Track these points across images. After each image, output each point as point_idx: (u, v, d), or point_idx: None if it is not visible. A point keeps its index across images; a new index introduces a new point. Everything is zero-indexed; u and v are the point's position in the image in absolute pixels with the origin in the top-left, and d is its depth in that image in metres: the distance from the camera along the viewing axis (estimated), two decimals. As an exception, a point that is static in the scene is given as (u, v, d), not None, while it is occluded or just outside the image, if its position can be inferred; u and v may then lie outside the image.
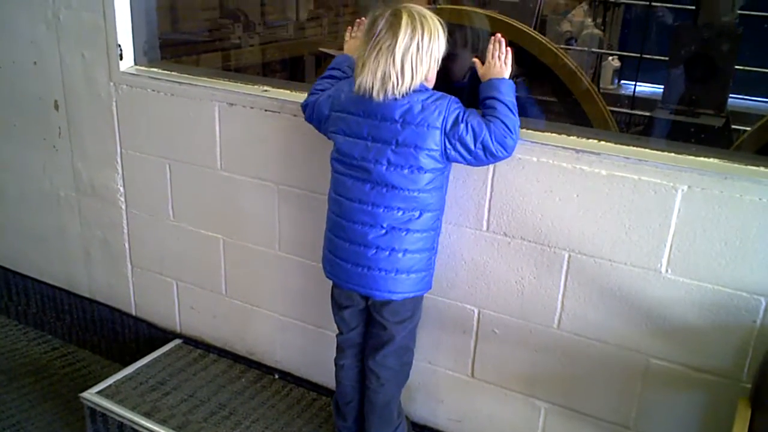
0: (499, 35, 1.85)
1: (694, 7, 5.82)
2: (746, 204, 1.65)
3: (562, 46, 6.99)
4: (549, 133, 1.90)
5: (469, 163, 1.82)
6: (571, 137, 1.87)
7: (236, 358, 2.65)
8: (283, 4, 5.63)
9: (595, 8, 7.27)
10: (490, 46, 1.85)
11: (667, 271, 1.78)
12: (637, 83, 6.55)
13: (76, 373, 2.97)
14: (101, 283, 2.95)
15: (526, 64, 3.10)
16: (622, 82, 7.00)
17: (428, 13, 1.77)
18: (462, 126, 1.75)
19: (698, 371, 1.81)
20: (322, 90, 1.98)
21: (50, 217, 2.98)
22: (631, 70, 6.68)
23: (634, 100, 6.14)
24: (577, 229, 1.86)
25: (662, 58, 5.34)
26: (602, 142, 1.83)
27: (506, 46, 1.84)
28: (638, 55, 6.68)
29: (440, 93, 1.80)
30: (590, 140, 1.85)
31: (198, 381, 2.54)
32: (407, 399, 2.23)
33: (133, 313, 2.89)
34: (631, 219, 1.79)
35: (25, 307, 3.27)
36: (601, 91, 6.74)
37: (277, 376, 2.56)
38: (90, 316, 3.04)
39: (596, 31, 6.99)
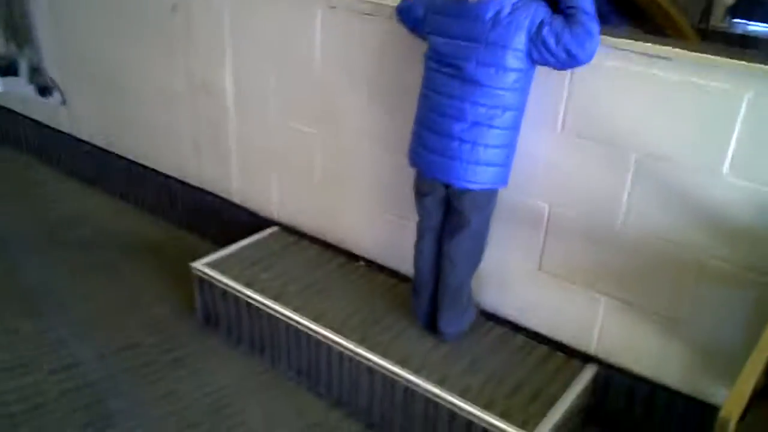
0: None
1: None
2: (808, 110, 1.73)
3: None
4: (624, 39, 2.00)
5: (552, 66, 1.96)
6: (646, 43, 1.97)
7: (327, 245, 2.92)
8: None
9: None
10: None
11: (729, 173, 1.88)
12: (751, 22, 6.29)
13: (185, 253, 3.28)
14: (209, 173, 3.26)
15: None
16: (735, 20, 6.71)
17: None
18: (546, 29, 1.89)
19: (751, 271, 1.93)
20: None
21: (166, 113, 3.30)
22: (746, 6, 6.41)
23: (746, 40, 5.92)
24: (646, 131, 1.98)
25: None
26: (675, 49, 1.93)
27: None
28: (753, -13, 6.40)
29: None
30: (664, 46, 1.94)
31: (292, 262, 2.83)
32: (478, 287, 2.44)
33: (237, 202, 3.20)
34: (697, 123, 1.89)
35: (142, 194, 3.64)
36: (711, 28, 6.53)
37: (362, 263, 2.82)
38: (198, 203, 3.37)
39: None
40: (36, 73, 3.80)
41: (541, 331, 2.39)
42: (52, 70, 3.76)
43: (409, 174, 2.34)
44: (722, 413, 1.41)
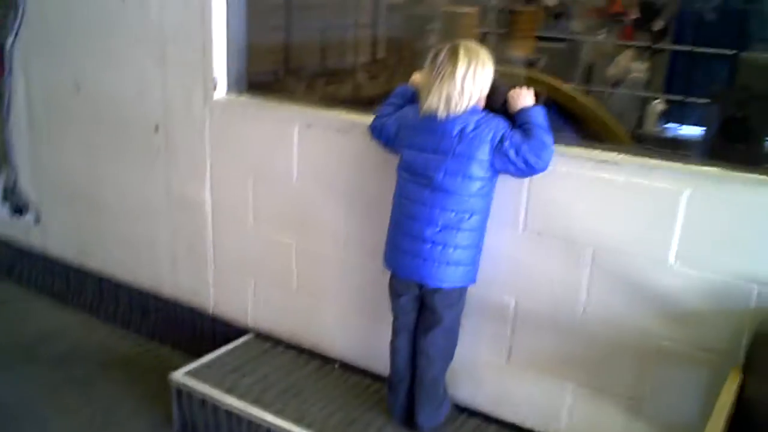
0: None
1: (733, 52, 6.17)
2: (739, 205, 1.97)
3: (609, 89, 7.34)
4: (576, 147, 2.25)
5: (513, 174, 2.18)
6: (594, 150, 2.22)
7: (302, 349, 3.01)
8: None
9: (641, 54, 7.58)
10: (517, 89, 2.23)
11: (675, 262, 2.09)
12: (681, 125, 6.81)
13: (159, 365, 3.35)
14: (184, 286, 3.36)
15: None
16: (667, 125, 7.24)
17: (480, 47, 2.16)
18: (507, 142, 2.12)
19: (702, 350, 2.11)
20: (387, 114, 2.38)
21: (144, 227, 3.42)
22: (676, 113, 6.96)
23: (677, 143, 6.39)
24: (599, 228, 2.20)
25: (704, 101, 5.65)
26: (620, 155, 2.18)
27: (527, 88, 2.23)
28: (681, 98, 6.97)
29: (491, 114, 2.17)
30: (610, 152, 2.19)
31: (269, 367, 2.91)
32: (451, 381, 2.55)
33: (211, 312, 3.29)
34: (644, 219, 2.12)
35: (114, 308, 3.70)
36: (646, 133, 7.02)
37: (337, 365, 2.92)
38: (172, 315, 3.45)
39: (641, 75, 7.30)
40: (12, 192, 3.91)
41: (513, 420, 2.51)
42: (28, 189, 3.87)
43: (382, 278, 2.51)
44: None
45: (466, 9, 6.52)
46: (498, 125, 2.16)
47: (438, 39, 7.55)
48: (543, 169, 2.15)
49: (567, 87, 5.25)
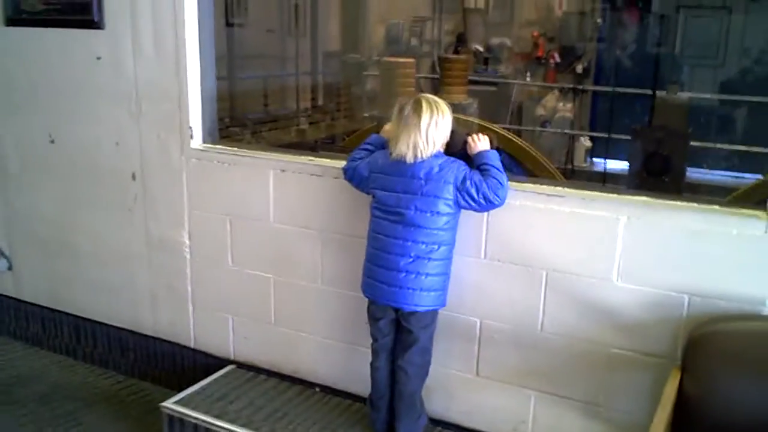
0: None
1: (650, 92, 6.75)
2: (667, 227, 2.34)
3: (537, 128, 7.85)
4: (527, 184, 2.60)
5: (474, 209, 2.51)
6: (543, 186, 2.58)
7: (283, 377, 3.24)
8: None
9: (565, 94, 8.15)
10: (474, 135, 2.57)
11: (618, 280, 2.45)
12: (607, 160, 7.35)
13: (142, 399, 3.53)
14: (164, 323, 3.55)
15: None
16: (594, 159, 7.78)
17: (439, 99, 2.49)
18: (468, 182, 2.45)
19: (646, 355, 2.45)
20: (360, 158, 2.68)
21: (122, 270, 3.60)
22: (601, 148, 7.50)
23: (605, 177, 6.90)
24: (551, 252, 2.54)
25: (627, 137, 6.18)
26: (565, 189, 2.53)
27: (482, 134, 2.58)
28: (606, 135, 7.53)
29: (453, 158, 2.50)
30: (557, 187, 2.55)
31: (253, 394, 3.12)
32: (425, 397, 2.83)
33: (192, 346, 3.48)
34: (589, 243, 2.47)
35: (92, 348, 3.84)
36: (575, 168, 7.53)
37: (318, 389, 3.16)
38: (152, 351, 3.62)
39: (567, 114, 7.85)
40: (-18, 243, 4.03)
41: (484, 429, 2.80)
42: (0, 237, 4.00)
43: (357, 305, 2.80)
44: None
45: (402, 59, 6.97)
46: (459, 168, 2.48)
47: (375, 85, 7.97)
48: (500, 204, 2.48)
49: (500, 130, 5.74)
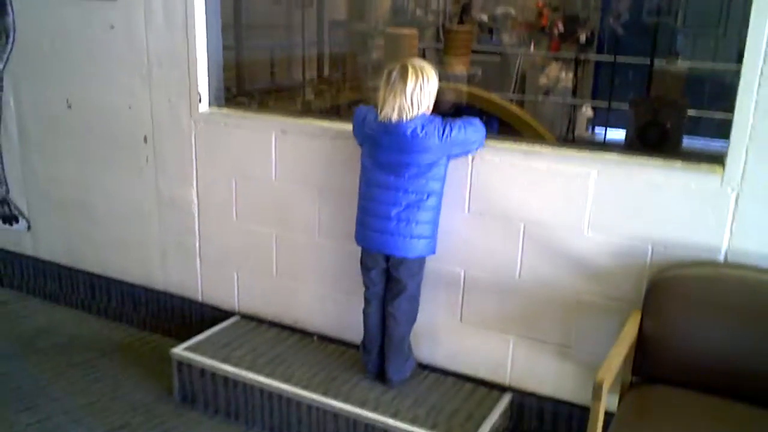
0: None
1: (648, 62, 6.87)
2: (633, 182, 2.54)
3: (540, 97, 7.98)
4: (507, 142, 2.80)
5: (458, 154, 2.71)
6: (522, 144, 2.77)
7: (284, 326, 3.48)
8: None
9: (568, 64, 8.25)
10: None
11: (588, 230, 2.65)
12: (608, 129, 7.48)
13: (153, 349, 3.79)
14: (174, 278, 3.79)
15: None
16: (596, 128, 7.90)
17: (426, 64, 2.68)
18: (448, 126, 2.65)
19: (613, 300, 2.66)
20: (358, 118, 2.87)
21: (134, 228, 3.84)
22: (603, 117, 7.62)
23: (605, 144, 7.03)
24: (529, 206, 2.74)
25: (626, 107, 6.30)
26: (543, 147, 2.73)
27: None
28: (606, 103, 7.65)
29: (432, 116, 2.70)
30: (534, 145, 2.75)
31: (256, 341, 3.37)
32: (413, 344, 3.06)
33: (200, 300, 3.73)
34: (563, 197, 2.67)
35: (107, 303, 4.10)
36: (576, 137, 7.67)
37: (316, 338, 3.40)
38: (163, 305, 3.87)
39: (569, 84, 7.96)
40: (2, 204, 4.27)
41: (467, 372, 3.03)
42: (19, 198, 4.24)
43: (352, 259, 3.02)
44: (596, 379, 2.08)
45: (406, 31, 7.14)
46: (440, 121, 2.68)
47: (380, 55, 8.12)
48: (481, 144, 2.71)
49: (501, 100, 5.92)
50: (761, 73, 2.27)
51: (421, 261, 2.84)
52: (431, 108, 2.72)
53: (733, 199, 2.39)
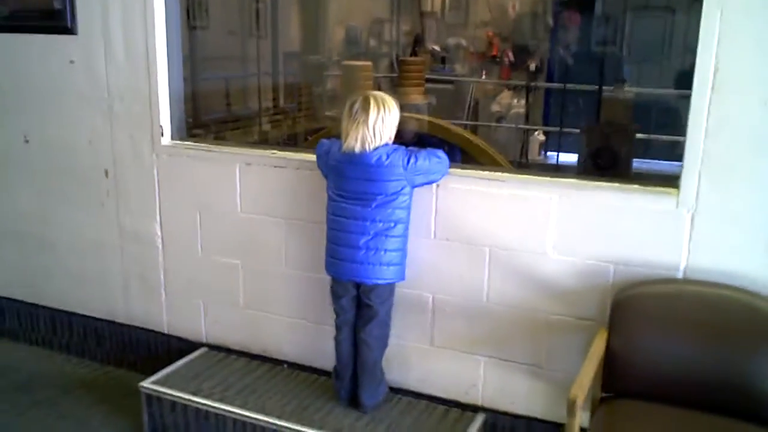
0: None
1: (597, 89, 7.09)
2: (593, 205, 2.64)
3: (493, 123, 8.16)
4: (470, 170, 2.88)
5: (422, 183, 2.78)
6: (485, 172, 2.86)
7: (252, 356, 3.47)
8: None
9: (519, 91, 8.46)
10: None
11: (552, 253, 2.74)
12: (560, 153, 7.68)
13: (118, 384, 3.73)
14: (137, 311, 3.76)
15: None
16: (548, 153, 8.10)
17: (387, 96, 2.75)
18: (413, 158, 2.72)
19: (579, 319, 2.75)
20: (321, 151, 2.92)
21: (95, 262, 3.80)
22: (554, 141, 7.84)
23: (558, 168, 7.22)
24: (493, 231, 2.82)
25: (577, 131, 6.49)
26: (504, 174, 2.82)
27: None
28: (558, 128, 7.86)
29: (396, 145, 2.76)
30: (497, 172, 2.84)
31: (225, 372, 3.35)
32: (386, 369, 3.08)
33: (165, 332, 3.70)
34: (526, 221, 2.75)
35: (68, 339, 4.03)
36: (529, 161, 7.85)
37: (285, 366, 3.40)
38: (127, 339, 3.82)
39: (521, 110, 8.17)
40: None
41: (439, 394, 3.07)
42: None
43: (320, 286, 3.06)
44: (569, 396, 2.15)
45: (361, 63, 7.29)
46: (404, 150, 2.75)
47: (335, 85, 8.22)
48: (445, 173, 2.79)
49: (455, 128, 6.05)
50: (710, 101, 2.39)
51: (391, 286, 2.89)
52: (392, 138, 2.78)
53: (688, 219, 2.50)
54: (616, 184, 2.65)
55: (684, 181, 2.48)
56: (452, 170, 2.85)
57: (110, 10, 3.40)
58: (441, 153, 2.78)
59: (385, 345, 2.97)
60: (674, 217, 2.52)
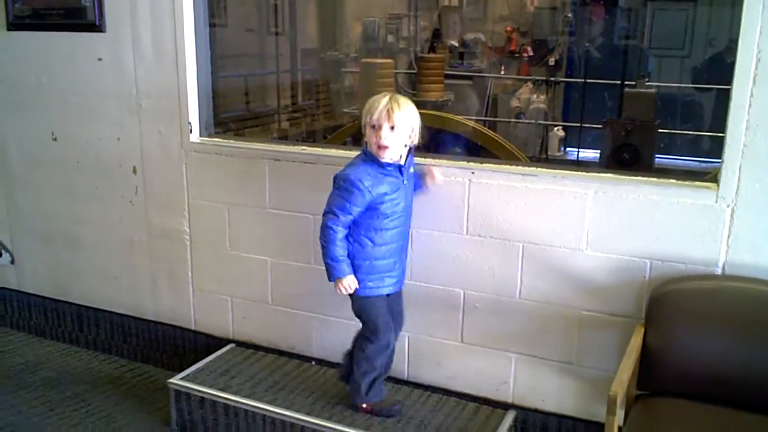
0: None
1: (619, 83, 7.03)
2: (629, 200, 2.61)
3: (512, 119, 8.12)
4: (504, 165, 2.86)
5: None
6: (519, 166, 2.83)
7: (280, 353, 3.47)
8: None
9: (539, 86, 8.41)
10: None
11: (587, 248, 2.71)
12: (580, 149, 7.63)
13: (146, 380, 3.74)
14: (165, 307, 3.76)
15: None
16: (568, 149, 8.05)
17: (408, 104, 2.63)
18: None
19: (613, 316, 2.72)
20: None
21: (123, 259, 3.81)
22: (574, 137, 7.78)
23: (578, 163, 7.17)
24: (527, 226, 2.79)
25: (598, 127, 6.44)
26: (539, 168, 2.79)
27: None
28: (578, 124, 7.80)
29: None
30: (531, 167, 2.81)
31: (254, 368, 3.35)
32: (416, 363, 3.08)
33: (193, 328, 3.70)
34: (561, 216, 2.73)
35: (95, 335, 4.04)
36: (549, 157, 7.80)
37: (313, 363, 3.39)
38: (154, 335, 3.83)
39: (541, 105, 8.12)
40: (-16, 239, 4.21)
41: (470, 391, 3.05)
42: (1, 233, 4.17)
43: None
44: (610, 393, 2.12)
45: (381, 60, 7.28)
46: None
47: (354, 81, 8.20)
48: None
49: (473, 123, 6.03)
50: (751, 94, 2.36)
51: None
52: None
53: (728, 214, 2.47)
54: (654, 179, 2.61)
55: (724, 175, 2.44)
56: (486, 165, 2.85)
57: (138, 7, 3.40)
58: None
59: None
60: (713, 212, 2.49)
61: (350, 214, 2.61)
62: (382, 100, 2.58)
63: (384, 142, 2.56)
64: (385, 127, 2.56)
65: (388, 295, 2.81)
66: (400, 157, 2.65)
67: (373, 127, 2.58)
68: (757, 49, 2.31)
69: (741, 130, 2.39)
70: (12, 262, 4.22)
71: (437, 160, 2.93)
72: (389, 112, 2.55)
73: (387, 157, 2.59)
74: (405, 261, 2.87)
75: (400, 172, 2.65)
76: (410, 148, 2.70)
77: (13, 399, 3.56)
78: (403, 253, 2.82)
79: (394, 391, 3.10)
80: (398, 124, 2.56)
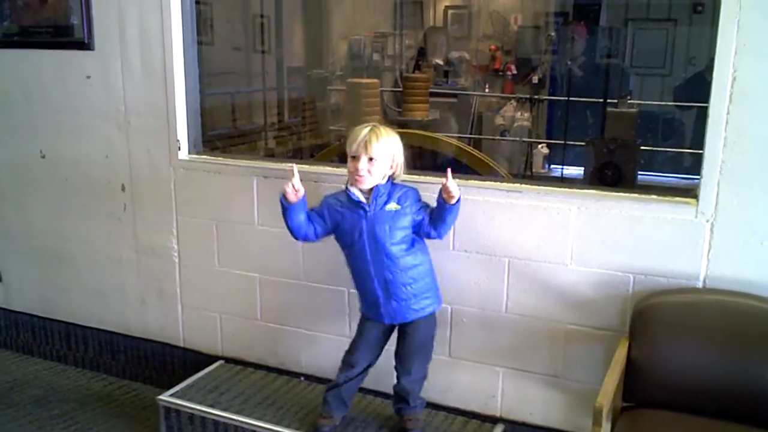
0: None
1: (601, 102, 7.14)
2: (612, 215, 2.66)
3: (497, 137, 8.20)
4: (489, 181, 2.91)
5: None
6: (504, 183, 2.88)
7: (269, 369, 3.48)
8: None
9: (523, 104, 8.51)
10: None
11: (571, 263, 2.76)
12: (564, 166, 7.71)
13: (134, 398, 3.74)
14: (153, 324, 3.77)
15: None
16: (552, 166, 8.14)
17: (390, 132, 2.67)
18: None
19: (598, 329, 2.77)
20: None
21: (111, 276, 3.82)
22: (558, 155, 7.88)
23: (563, 180, 7.25)
24: (512, 242, 2.84)
25: (581, 145, 6.53)
26: (523, 185, 2.85)
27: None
28: (562, 142, 7.90)
29: None
30: (516, 183, 2.86)
31: (243, 385, 3.36)
32: (403, 379, 3.10)
33: (182, 345, 3.71)
34: (545, 231, 2.78)
35: (83, 353, 4.04)
36: (533, 174, 7.88)
37: (302, 378, 3.41)
38: (143, 353, 3.83)
39: (525, 123, 8.21)
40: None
41: (458, 405, 3.08)
42: (-11, 252, 4.17)
43: (337, 299, 3.13)
44: (595, 405, 2.17)
45: (367, 80, 7.38)
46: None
47: (340, 99, 8.26)
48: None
49: (455, 141, 6.10)
50: (728, 111, 2.42)
51: None
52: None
53: (708, 229, 2.53)
54: (635, 195, 2.67)
55: (703, 191, 2.51)
56: (470, 181, 2.89)
57: (127, 25, 3.44)
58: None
59: None
60: (693, 226, 2.55)
61: (315, 209, 2.82)
62: (363, 131, 2.63)
63: (360, 172, 2.62)
64: (363, 158, 2.61)
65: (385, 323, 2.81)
66: (372, 190, 2.65)
67: (353, 157, 2.64)
68: (732, 68, 2.39)
69: (719, 146, 2.45)
70: (0, 280, 4.22)
71: (423, 177, 2.97)
72: (367, 144, 2.60)
73: (365, 185, 2.65)
74: (401, 298, 2.73)
75: (364, 209, 2.67)
76: (390, 177, 2.69)
77: (0, 417, 3.54)
78: (391, 286, 2.70)
79: (383, 405, 3.12)
80: (376, 156, 2.60)
